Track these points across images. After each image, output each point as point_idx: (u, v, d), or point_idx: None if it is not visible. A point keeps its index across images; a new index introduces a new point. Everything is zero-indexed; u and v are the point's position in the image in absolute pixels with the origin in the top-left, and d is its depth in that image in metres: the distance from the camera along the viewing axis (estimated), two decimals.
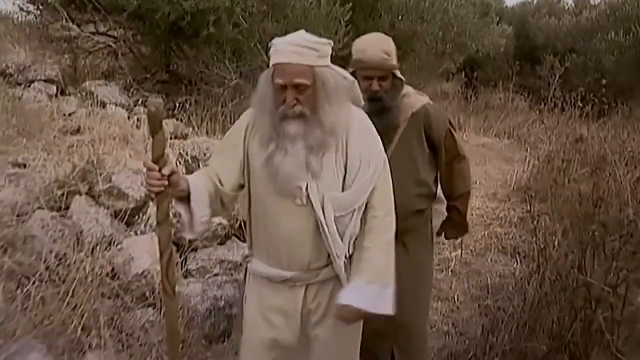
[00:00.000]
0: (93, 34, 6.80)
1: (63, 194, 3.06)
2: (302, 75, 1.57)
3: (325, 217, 1.62)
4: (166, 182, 1.53)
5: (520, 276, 3.10)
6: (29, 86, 5.70)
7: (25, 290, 2.28)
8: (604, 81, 6.22)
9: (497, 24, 11.32)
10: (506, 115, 9.99)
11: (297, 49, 1.59)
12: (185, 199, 1.61)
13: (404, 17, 6.65)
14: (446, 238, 2.43)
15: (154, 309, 2.62)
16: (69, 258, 2.61)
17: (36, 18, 7.07)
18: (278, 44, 1.63)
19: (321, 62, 1.61)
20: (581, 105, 8.62)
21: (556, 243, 2.90)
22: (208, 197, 1.65)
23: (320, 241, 1.64)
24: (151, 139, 1.54)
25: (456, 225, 2.34)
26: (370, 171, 1.66)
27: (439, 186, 2.29)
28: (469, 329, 2.89)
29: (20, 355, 1.93)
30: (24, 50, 6.31)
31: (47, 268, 2.50)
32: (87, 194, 3.14)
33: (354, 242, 1.71)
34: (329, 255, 1.67)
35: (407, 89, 2.16)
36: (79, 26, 6.64)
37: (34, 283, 2.33)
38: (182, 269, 2.95)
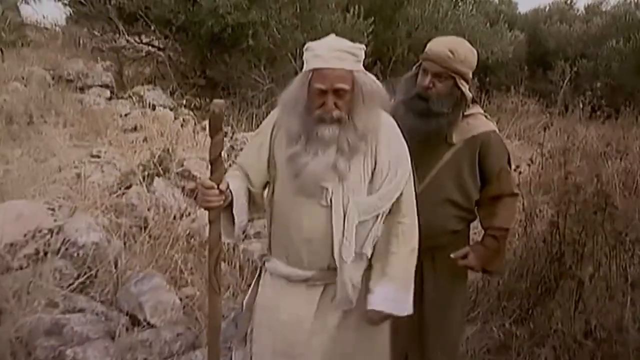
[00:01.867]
0: (137, 43, 7.73)
1: (146, 175, 3.90)
2: (343, 80, 1.60)
3: (345, 221, 1.65)
4: (223, 198, 1.60)
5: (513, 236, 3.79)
6: (87, 90, 6.61)
7: (139, 240, 3.12)
8: (602, 84, 6.92)
9: (510, 31, 12.08)
10: (517, 117, 10.68)
11: (338, 53, 1.61)
12: (226, 205, 1.66)
13: (419, 27, 7.47)
14: (464, 265, 2.07)
15: (224, 262, 3.44)
16: (159, 221, 3.45)
17: (88, 30, 8.00)
18: (316, 48, 1.64)
19: (358, 66, 1.65)
20: (589, 108, 9.34)
21: (539, 211, 3.66)
22: (246, 203, 1.73)
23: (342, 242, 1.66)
24: (209, 139, 1.59)
25: (485, 255, 2.05)
26: (397, 178, 1.70)
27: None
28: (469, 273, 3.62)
29: (147, 279, 2.76)
30: (80, 59, 7.25)
31: (145, 228, 3.34)
32: (163, 175, 3.99)
33: (374, 245, 1.74)
34: None
35: (476, 110, 2.06)
36: (126, 37, 7.56)
37: (143, 236, 3.17)
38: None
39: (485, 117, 2.08)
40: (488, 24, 9.09)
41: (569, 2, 14.85)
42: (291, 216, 1.70)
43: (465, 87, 1.96)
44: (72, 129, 5.45)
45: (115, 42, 7.95)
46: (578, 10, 14.30)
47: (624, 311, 2.48)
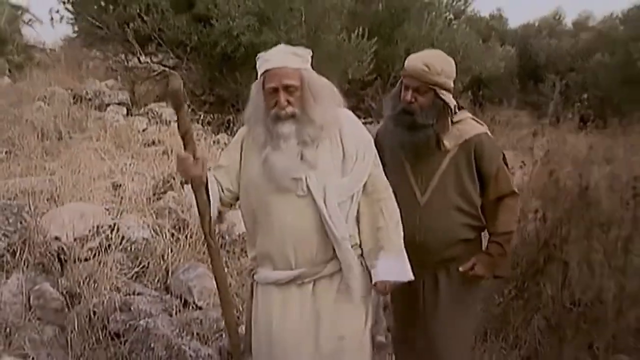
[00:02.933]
0: (149, 63, 8.25)
1: (173, 182, 4.37)
2: (291, 77, 1.73)
3: (326, 205, 1.74)
4: (200, 165, 1.70)
5: None
6: (106, 108, 7.11)
7: (182, 237, 3.59)
8: (590, 96, 7.51)
9: (501, 46, 12.75)
10: (511, 129, 11.27)
11: (284, 55, 1.76)
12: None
13: (417, 44, 8.05)
14: (473, 275, 2.12)
15: None
16: (194, 222, 3.92)
17: (102, 53, 8.54)
18: (265, 54, 1.79)
19: (305, 65, 1.78)
20: (578, 118, 9.96)
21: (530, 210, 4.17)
22: (218, 193, 1.83)
23: (326, 231, 1.75)
24: (176, 115, 1.69)
25: (492, 262, 2.11)
26: (365, 161, 1.83)
27: None
28: None
29: (192, 268, 3.22)
30: (96, 79, 7.76)
31: (184, 227, 3.80)
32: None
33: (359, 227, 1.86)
34: (334, 249, 1.78)
35: (465, 115, 2.13)
36: (138, 57, 8.09)
37: (183, 234, 3.64)
38: None
39: (476, 121, 2.15)
40: (480, 40, 9.71)
41: (557, 17, 15.64)
42: (273, 216, 1.78)
43: (446, 96, 2.05)
44: (97, 143, 5.92)
45: (128, 62, 8.50)
46: (566, 26, 15.09)
47: (602, 284, 2.98)
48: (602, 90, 10.75)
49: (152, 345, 2.56)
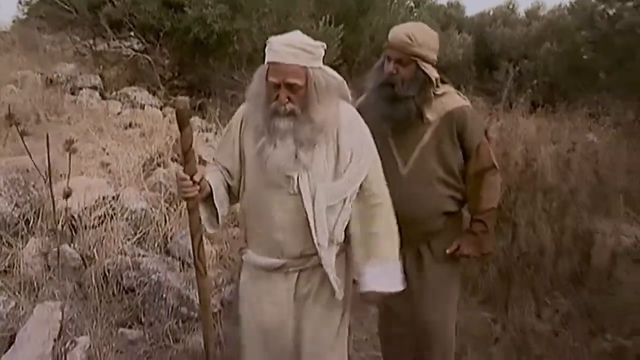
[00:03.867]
0: (119, 48, 8.43)
1: (162, 161, 4.73)
2: (296, 75, 1.68)
3: (314, 207, 1.75)
4: (198, 188, 1.72)
5: None
6: (78, 92, 7.28)
7: (177, 208, 3.97)
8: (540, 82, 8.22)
9: (458, 33, 13.42)
10: None
11: (293, 50, 1.68)
12: (206, 197, 1.79)
13: (380, 31, 8.57)
14: (460, 255, 2.18)
15: None
16: None
17: (69, 37, 8.64)
18: (274, 43, 1.72)
19: (314, 63, 1.72)
20: (529, 104, 10.74)
21: None
22: (226, 194, 1.86)
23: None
24: (179, 133, 1.69)
25: (477, 240, 2.15)
26: (360, 163, 1.80)
27: None
28: None
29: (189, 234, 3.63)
30: (67, 63, 7.88)
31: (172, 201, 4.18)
32: (175, 160, 4.83)
33: (346, 229, 1.84)
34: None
35: (448, 89, 2.15)
36: (108, 41, 8.25)
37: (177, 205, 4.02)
38: None
39: (460, 95, 2.18)
40: (440, 28, 10.31)
41: (511, 6, 16.46)
42: (263, 207, 1.81)
43: (428, 69, 2.06)
44: (76, 126, 6.15)
45: (95, 46, 8.64)
46: (519, 15, 15.91)
47: (543, 240, 3.58)
48: (551, 77, 11.60)
49: (163, 295, 2.98)
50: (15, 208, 3.29)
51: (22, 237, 3.20)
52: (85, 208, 3.42)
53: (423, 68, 2.07)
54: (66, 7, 7.74)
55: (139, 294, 3.02)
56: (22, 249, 3.08)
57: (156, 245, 3.64)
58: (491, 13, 16.20)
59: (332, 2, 8.44)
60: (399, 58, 2.07)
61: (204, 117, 7.50)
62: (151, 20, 7.50)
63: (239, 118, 1.89)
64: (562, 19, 11.32)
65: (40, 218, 3.33)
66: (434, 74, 2.10)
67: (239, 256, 2.01)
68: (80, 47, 8.54)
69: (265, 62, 1.75)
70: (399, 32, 2.08)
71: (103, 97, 7.54)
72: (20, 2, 9.67)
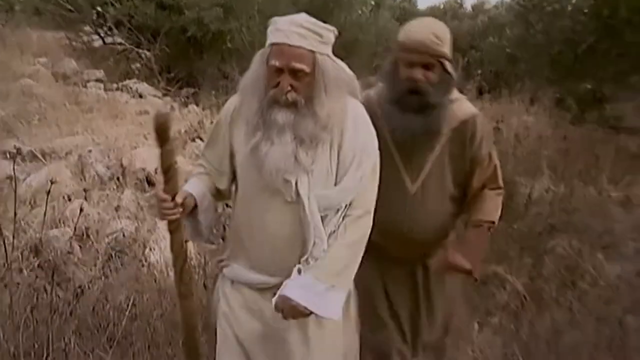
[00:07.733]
0: (115, 44, 9.60)
1: (188, 139, 6.13)
2: (302, 60, 1.53)
3: (314, 217, 1.59)
4: (180, 210, 1.59)
5: None
6: (86, 85, 8.43)
7: None
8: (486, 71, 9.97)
9: None
10: None
11: (300, 29, 1.54)
12: (191, 210, 1.67)
13: (347, 29, 10.13)
14: (450, 267, 2.02)
15: None
16: None
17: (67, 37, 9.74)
18: (279, 21, 1.57)
19: (323, 48, 1.57)
20: (476, 90, 12.62)
21: None
22: (212, 203, 1.73)
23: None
24: (160, 150, 1.58)
25: (469, 251, 1.98)
26: (359, 173, 1.62)
27: None
28: None
29: None
30: (71, 59, 8.99)
31: None
32: (198, 139, 6.24)
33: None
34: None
35: (458, 94, 1.98)
36: (103, 39, 9.39)
37: None
38: None
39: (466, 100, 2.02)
40: (398, 24, 12.00)
41: (459, 1, 18.45)
42: (254, 214, 1.66)
43: (452, 70, 1.89)
44: (97, 114, 7.35)
45: (91, 43, 9.77)
46: (467, 9, 17.91)
47: None
48: (495, 66, 13.54)
49: None
50: (107, 169, 4.65)
51: (115, 189, 4.57)
52: (155, 169, 4.81)
53: (448, 69, 1.91)
54: (68, 6, 8.84)
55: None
56: (121, 197, 4.45)
57: None
58: (442, 7, 18.11)
59: (305, 2, 9.91)
60: (426, 62, 1.86)
61: (197, 105, 8.84)
62: (149, 22, 8.74)
63: (228, 111, 1.74)
64: (500, 16, 13.33)
65: (123, 177, 4.70)
66: (455, 73, 1.95)
67: (217, 270, 1.89)
68: (77, 44, 9.63)
69: (268, 43, 1.61)
70: (421, 32, 1.87)
71: (108, 89, 8.72)
72: None
